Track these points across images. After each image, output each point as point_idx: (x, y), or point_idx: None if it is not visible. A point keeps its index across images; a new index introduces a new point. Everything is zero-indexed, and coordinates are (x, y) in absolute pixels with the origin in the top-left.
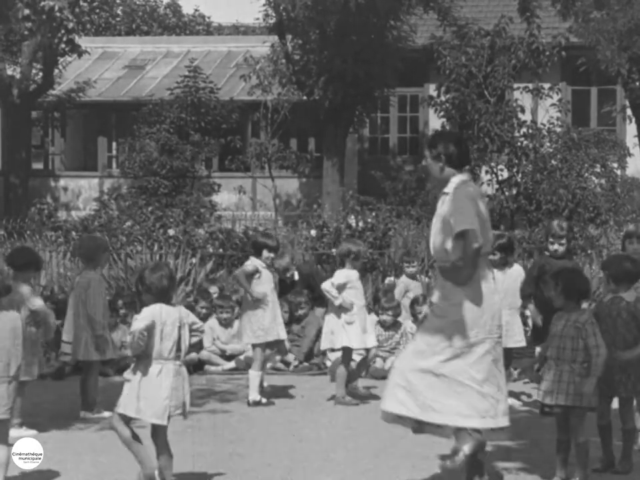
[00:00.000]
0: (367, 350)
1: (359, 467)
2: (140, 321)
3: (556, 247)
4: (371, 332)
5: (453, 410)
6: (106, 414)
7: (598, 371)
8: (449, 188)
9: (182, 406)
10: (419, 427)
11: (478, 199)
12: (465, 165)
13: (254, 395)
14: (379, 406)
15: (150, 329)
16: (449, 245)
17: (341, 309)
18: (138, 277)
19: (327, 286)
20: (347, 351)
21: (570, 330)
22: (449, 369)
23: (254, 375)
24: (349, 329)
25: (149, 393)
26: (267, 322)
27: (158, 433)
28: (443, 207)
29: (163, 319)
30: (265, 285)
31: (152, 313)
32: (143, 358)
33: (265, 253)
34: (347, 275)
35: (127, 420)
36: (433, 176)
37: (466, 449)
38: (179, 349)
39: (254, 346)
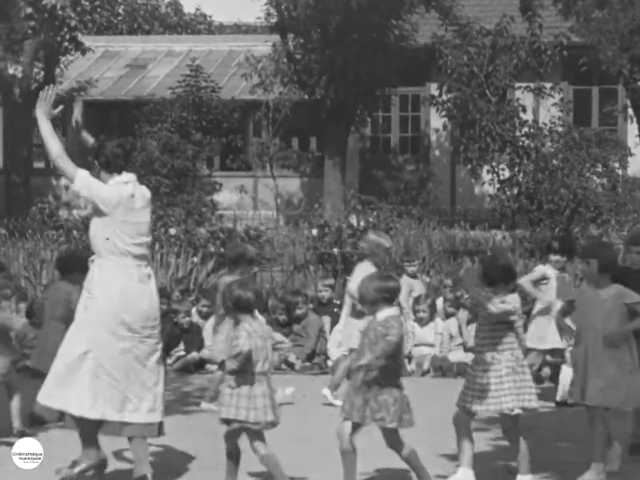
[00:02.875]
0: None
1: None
2: None
3: None
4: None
5: (77, 400)
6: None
7: None
8: None
9: None
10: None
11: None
12: (118, 169)
13: None
14: None
15: None
16: None
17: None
18: None
19: (528, 286)
20: (558, 351)
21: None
22: (89, 362)
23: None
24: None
25: None
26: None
27: None
28: None
29: None
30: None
31: None
32: None
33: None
34: (544, 272)
35: None
36: None
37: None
38: None
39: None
